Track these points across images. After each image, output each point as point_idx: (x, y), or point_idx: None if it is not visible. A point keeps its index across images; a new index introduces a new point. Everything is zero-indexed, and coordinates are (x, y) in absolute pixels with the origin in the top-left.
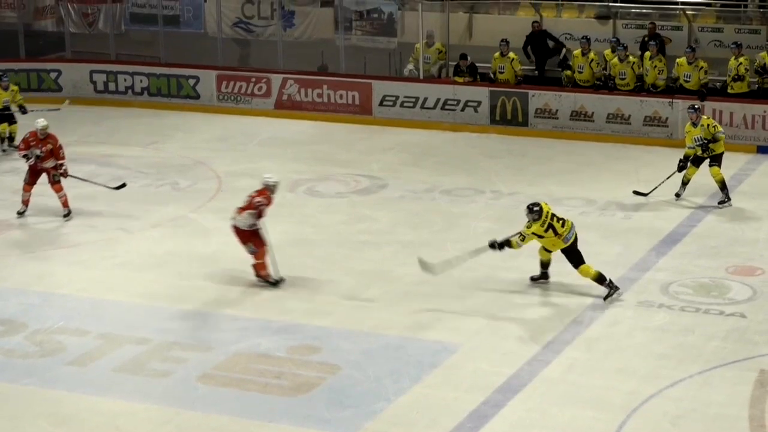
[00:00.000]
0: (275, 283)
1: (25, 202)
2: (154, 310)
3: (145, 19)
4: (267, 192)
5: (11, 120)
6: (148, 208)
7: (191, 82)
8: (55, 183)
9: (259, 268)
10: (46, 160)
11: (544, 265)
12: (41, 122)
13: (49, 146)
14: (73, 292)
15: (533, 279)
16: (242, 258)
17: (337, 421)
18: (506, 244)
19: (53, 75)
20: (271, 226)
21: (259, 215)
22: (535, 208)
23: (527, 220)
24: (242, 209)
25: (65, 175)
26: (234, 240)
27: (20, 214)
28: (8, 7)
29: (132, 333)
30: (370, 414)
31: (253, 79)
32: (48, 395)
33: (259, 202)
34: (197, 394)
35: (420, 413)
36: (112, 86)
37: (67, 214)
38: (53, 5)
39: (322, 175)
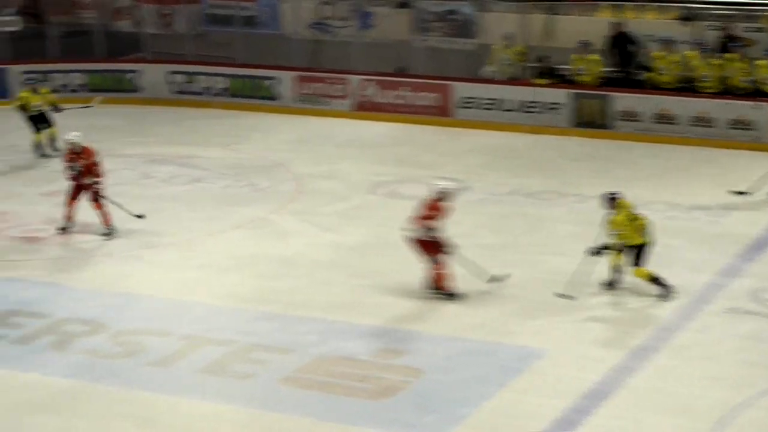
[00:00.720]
0: (453, 296)
1: (68, 218)
2: (236, 311)
3: (222, 20)
4: (442, 200)
5: (48, 124)
6: (228, 209)
7: (269, 83)
8: (94, 201)
9: (438, 280)
10: (84, 176)
11: (617, 269)
12: (72, 136)
13: (84, 161)
14: (156, 293)
15: (605, 285)
16: (321, 260)
17: (421, 425)
18: (604, 248)
19: (131, 75)
20: (351, 228)
21: (437, 224)
22: (614, 195)
23: (607, 212)
24: (420, 218)
25: (98, 193)
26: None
27: (62, 230)
28: (87, 8)
29: (214, 334)
30: (455, 419)
31: (331, 80)
32: (131, 396)
33: (434, 211)
34: (280, 397)
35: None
36: (190, 87)
37: (108, 233)
38: (131, 6)
39: (403, 178)
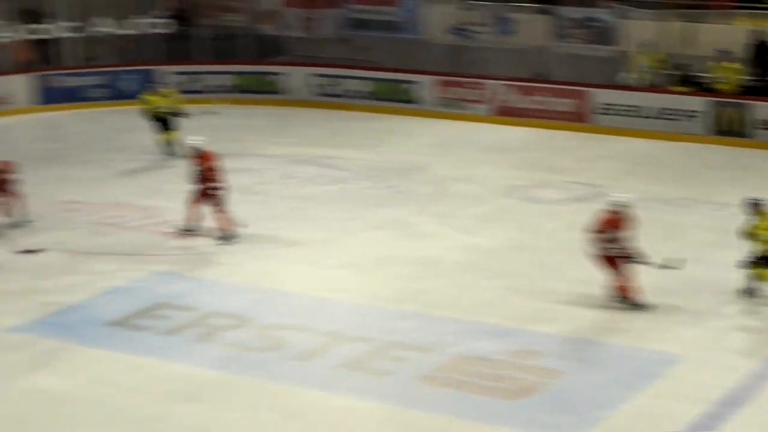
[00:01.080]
0: (640, 307)
1: (191, 219)
2: (376, 310)
3: (364, 25)
4: (618, 212)
5: (171, 127)
6: (368, 210)
7: (409, 86)
8: (213, 205)
9: (625, 291)
10: (203, 180)
11: (758, 278)
12: (194, 140)
13: (203, 166)
14: (299, 290)
15: (744, 292)
16: (459, 261)
17: (558, 426)
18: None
19: (275, 78)
20: (488, 231)
21: (617, 236)
22: (757, 202)
23: (749, 218)
24: (596, 231)
25: (217, 198)
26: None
27: (185, 231)
28: (235, 12)
29: (355, 331)
30: (592, 421)
31: (471, 85)
32: (276, 389)
33: (611, 224)
34: (418, 394)
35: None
36: (331, 90)
37: (225, 238)
38: (277, 10)
39: (540, 182)
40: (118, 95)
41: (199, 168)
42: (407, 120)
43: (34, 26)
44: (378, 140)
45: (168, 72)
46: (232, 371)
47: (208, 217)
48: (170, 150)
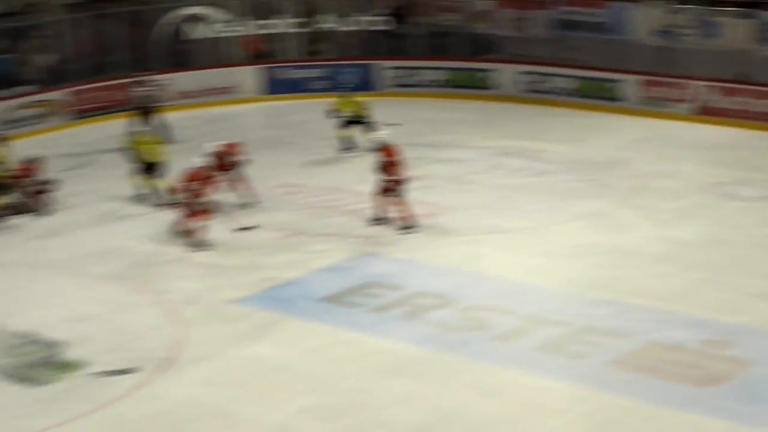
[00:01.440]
0: None
1: (379, 209)
2: (573, 296)
3: (573, 25)
4: None
5: (358, 124)
6: (571, 201)
7: (614, 85)
8: (396, 198)
9: None
10: (383, 172)
11: None
12: (379, 135)
13: (384, 159)
14: (502, 273)
15: None
16: (655, 253)
17: (748, 414)
18: None
19: (486, 74)
20: (686, 225)
21: None
22: None
23: None
24: None
25: (397, 190)
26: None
27: (374, 220)
28: (450, 11)
29: (553, 316)
30: None
31: (674, 85)
32: (475, 367)
33: None
34: (610, 378)
35: None
36: (542, 86)
37: (407, 227)
38: (490, 10)
39: (739, 180)
40: (339, 87)
41: (382, 161)
42: (611, 117)
43: (263, 22)
44: (582, 135)
45: (385, 67)
46: (434, 348)
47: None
48: (348, 144)
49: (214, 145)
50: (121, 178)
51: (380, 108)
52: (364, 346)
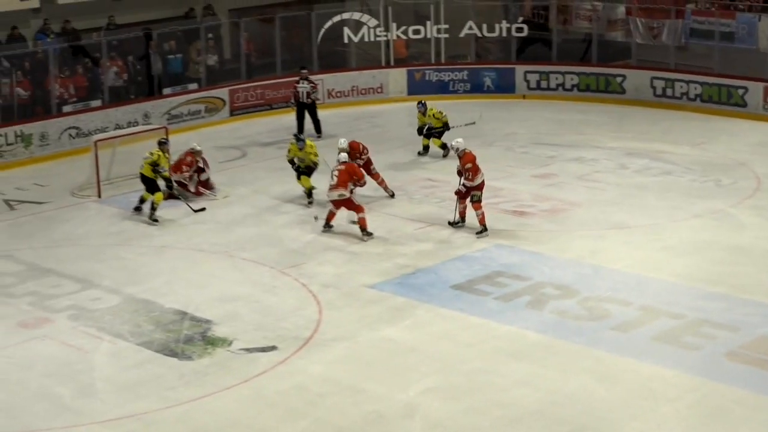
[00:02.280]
0: None
1: (459, 214)
2: (690, 289)
3: (704, 34)
4: None
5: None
6: (692, 200)
7: (740, 91)
8: (473, 202)
9: None
10: (463, 178)
11: None
12: (455, 142)
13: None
14: (622, 267)
15: None
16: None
17: None
18: None
19: (618, 79)
20: None
21: None
22: None
23: None
24: None
25: (472, 195)
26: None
27: (453, 224)
28: (585, 19)
29: (669, 308)
30: None
31: None
32: (592, 354)
33: None
34: (723, 369)
35: None
36: (669, 92)
37: (480, 232)
38: (624, 19)
39: None
40: (478, 89)
41: (461, 166)
42: (736, 121)
43: (409, 27)
44: (706, 138)
45: (522, 71)
46: (555, 335)
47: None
48: (425, 152)
49: (344, 141)
50: (276, 171)
51: (515, 109)
52: (489, 332)
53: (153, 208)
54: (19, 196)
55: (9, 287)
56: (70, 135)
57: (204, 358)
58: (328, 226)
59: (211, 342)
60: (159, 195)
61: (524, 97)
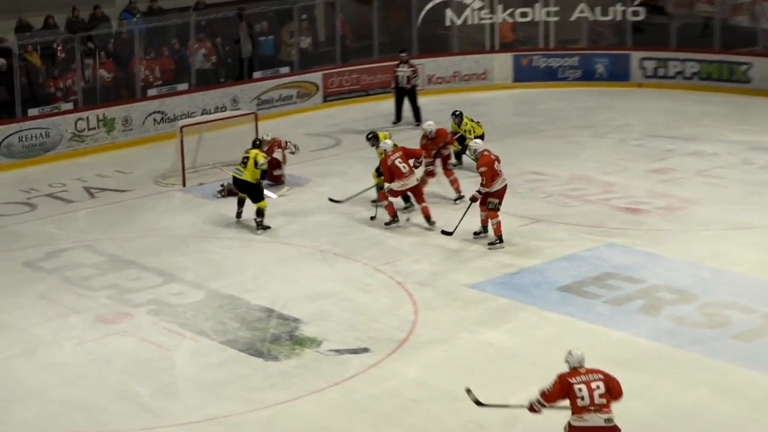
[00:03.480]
0: None
1: (482, 222)
2: None
3: None
4: None
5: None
6: None
7: None
8: (490, 210)
9: None
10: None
11: None
12: (476, 143)
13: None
14: (745, 270)
15: None
16: None
17: None
18: None
19: (743, 68)
20: None
21: None
22: None
23: None
24: None
25: (487, 202)
26: None
27: (475, 234)
28: (707, 2)
29: None
30: None
31: None
32: (711, 365)
33: None
34: None
35: None
36: None
37: (492, 243)
38: (749, 2)
39: None
40: (589, 77)
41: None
42: None
43: (516, 10)
44: None
45: (637, 57)
46: (670, 344)
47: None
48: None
49: (431, 124)
50: (370, 161)
51: (629, 98)
52: (599, 338)
53: (261, 215)
54: (100, 183)
55: (88, 279)
56: (155, 120)
57: (291, 359)
58: (394, 220)
59: (299, 342)
60: (264, 203)
61: (640, 85)
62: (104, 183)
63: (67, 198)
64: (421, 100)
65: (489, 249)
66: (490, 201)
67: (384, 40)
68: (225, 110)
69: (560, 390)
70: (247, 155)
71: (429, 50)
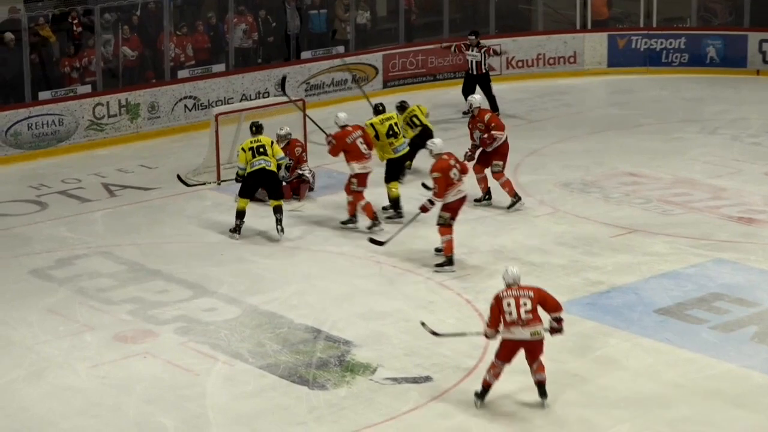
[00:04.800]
0: None
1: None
2: None
3: None
4: None
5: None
6: None
7: None
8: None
9: None
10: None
11: None
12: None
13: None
14: None
15: None
16: None
17: None
18: None
19: None
20: None
21: None
22: None
23: None
24: None
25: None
26: None
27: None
28: None
29: None
30: None
31: None
32: None
33: None
34: None
35: None
36: None
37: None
38: None
39: None
40: (699, 61)
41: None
42: None
43: None
44: None
45: (755, 39)
46: None
47: None
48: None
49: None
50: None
51: (745, 87)
52: (703, 370)
53: (280, 212)
54: (122, 179)
55: (106, 291)
56: (186, 106)
57: (341, 387)
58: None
59: (350, 368)
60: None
61: (758, 72)
62: (126, 179)
63: (83, 196)
64: (498, 87)
65: (436, 271)
66: (440, 215)
67: (456, 16)
68: (268, 96)
69: (495, 306)
70: (260, 142)
71: (509, 29)
